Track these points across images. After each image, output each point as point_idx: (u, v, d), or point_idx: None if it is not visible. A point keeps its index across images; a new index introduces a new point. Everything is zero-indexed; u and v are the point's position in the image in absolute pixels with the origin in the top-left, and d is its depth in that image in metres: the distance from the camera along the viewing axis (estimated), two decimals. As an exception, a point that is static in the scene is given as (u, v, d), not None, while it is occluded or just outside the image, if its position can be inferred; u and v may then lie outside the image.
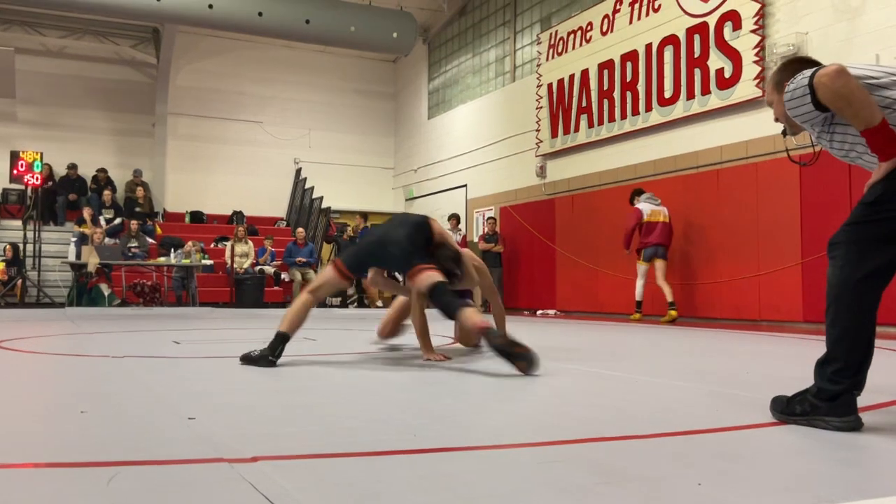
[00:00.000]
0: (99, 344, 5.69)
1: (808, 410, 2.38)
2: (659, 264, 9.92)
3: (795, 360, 4.80)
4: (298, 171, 17.85)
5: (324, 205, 16.22)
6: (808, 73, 2.37)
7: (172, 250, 13.37)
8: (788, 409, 2.46)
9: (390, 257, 4.46)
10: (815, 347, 2.46)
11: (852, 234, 2.34)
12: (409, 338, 5.18)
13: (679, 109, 10.42)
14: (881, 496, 1.60)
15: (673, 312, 9.64)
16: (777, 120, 2.64)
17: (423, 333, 4.55)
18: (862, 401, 2.40)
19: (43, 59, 16.25)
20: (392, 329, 5.32)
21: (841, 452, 2.10)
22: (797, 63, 2.57)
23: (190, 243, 13.62)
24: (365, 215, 15.97)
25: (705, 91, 10.01)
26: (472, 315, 3.98)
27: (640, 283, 10.15)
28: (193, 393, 3.17)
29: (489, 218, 13.99)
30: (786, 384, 2.87)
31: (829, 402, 2.33)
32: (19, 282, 12.83)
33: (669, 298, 9.67)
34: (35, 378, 3.88)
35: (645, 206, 10.00)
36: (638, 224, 9.95)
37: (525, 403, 3.08)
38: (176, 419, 2.49)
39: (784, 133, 2.70)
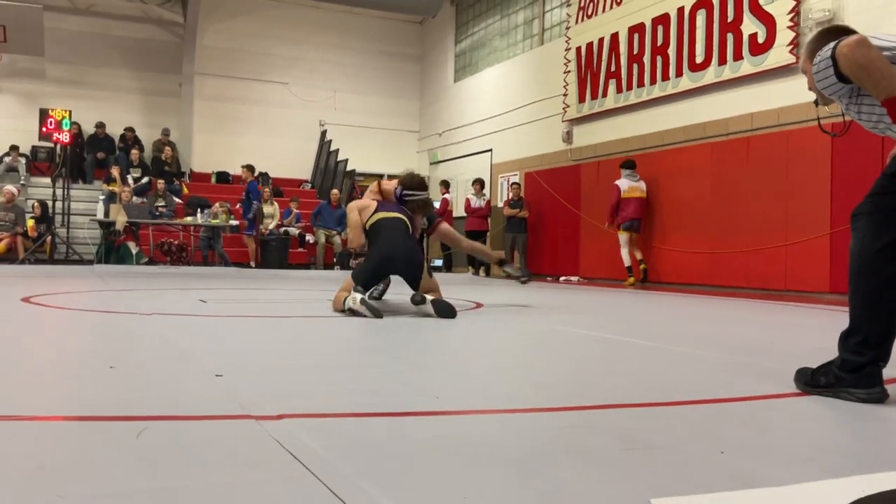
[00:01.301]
0: (127, 301, 5.77)
1: (832, 382, 2.37)
2: (633, 237, 11.01)
3: (821, 330, 4.76)
4: (324, 134, 17.83)
5: (348, 168, 16.22)
6: (833, 44, 2.33)
7: (199, 210, 13.48)
8: (813, 381, 2.45)
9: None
10: (840, 319, 2.44)
11: (874, 204, 2.33)
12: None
13: (710, 75, 10.25)
14: (905, 469, 1.59)
15: (631, 279, 10.90)
16: (810, 89, 2.60)
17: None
18: (887, 372, 2.38)
19: (71, 17, 16.28)
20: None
21: (864, 424, 2.09)
22: (832, 33, 2.51)
23: (217, 204, 13.71)
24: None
25: (737, 57, 9.82)
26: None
27: (624, 252, 11.07)
28: (220, 351, 3.22)
29: (513, 183, 13.90)
30: (810, 355, 2.85)
31: (854, 373, 2.32)
32: (48, 238, 13.02)
33: (627, 263, 10.96)
34: (64, 333, 3.95)
35: (623, 183, 10.98)
36: (618, 199, 10.95)
37: (546, 370, 3.09)
38: (203, 376, 2.53)
39: (816, 103, 2.66)
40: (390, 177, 5.97)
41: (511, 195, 13.63)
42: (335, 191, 15.04)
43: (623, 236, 10.99)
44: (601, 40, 12.32)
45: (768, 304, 7.47)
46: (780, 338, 4.49)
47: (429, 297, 4.80)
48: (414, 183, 5.39)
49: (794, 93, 8.95)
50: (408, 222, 5.18)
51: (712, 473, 1.54)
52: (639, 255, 10.93)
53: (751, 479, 1.50)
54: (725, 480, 1.48)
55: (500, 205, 14.27)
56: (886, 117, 2.31)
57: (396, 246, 5.00)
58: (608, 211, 11.05)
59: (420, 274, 5.01)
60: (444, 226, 6.00)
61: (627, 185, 10.95)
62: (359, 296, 4.68)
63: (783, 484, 1.46)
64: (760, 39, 9.47)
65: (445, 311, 4.70)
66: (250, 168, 14.70)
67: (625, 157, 11.44)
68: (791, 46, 9.04)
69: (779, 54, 9.21)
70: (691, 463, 1.62)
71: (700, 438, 1.85)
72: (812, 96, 2.66)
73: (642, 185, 10.98)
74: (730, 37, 9.93)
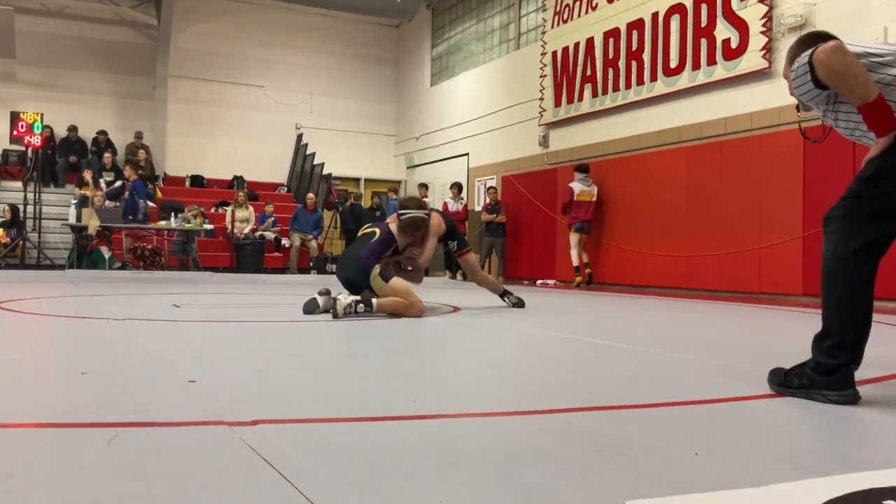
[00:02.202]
0: (99, 306, 5.71)
1: (805, 384, 2.39)
2: (583, 238, 11.56)
3: (794, 333, 4.82)
4: (300, 137, 17.76)
5: (325, 171, 16.17)
6: (811, 50, 2.37)
7: (173, 214, 13.35)
8: (786, 382, 2.47)
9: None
10: (813, 321, 2.47)
11: (847, 208, 2.35)
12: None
13: (684, 80, 10.34)
14: (877, 468, 1.61)
15: (578, 278, 11.42)
16: (791, 94, 2.63)
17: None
18: (860, 374, 2.41)
19: (43, 19, 16.07)
20: None
21: (838, 425, 2.11)
22: (812, 39, 2.54)
23: (188, 208, 13.58)
24: (395, 188, 16.21)
25: (711, 62, 9.91)
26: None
27: (574, 252, 11.52)
28: (193, 356, 3.19)
29: (490, 188, 13.92)
30: (784, 356, 2.88)
31: (827, 375, 2.34)
32: (20, 243, 12.82)
33: (576, 263, 11.47)
34: (35, 339, 3.89)
35: (576, 186, 11.46)
36: (571, 201, 11.46)
37: (521, 372, 3.09)
38: (176, 382, 2.50)
39: (797, 108, 2.70)
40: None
41: (489, 200, 13.65)
42: (311, 195, 14.98)
43: (574, 237, 11.51)
44: (577, 45, 12.39)
45: (742, 307, 7.54)
46: (754, 340, 4.53)
47: (344, 298, 5.03)
48: (408, 202, 5.70)
49: (767, 97, 9.06)
50: (377, 233, 5.43)
51: (687, 475, 1.55)
52: (585, 258, 11.54)
53: (725, 480, 1.51)
54: (700, 481, 1.49)
55: (479, 208, 14.29)
56: (863, 124, 2.34)
57: (347, 254, 5.58)
58: (560, 209, 11.80)
59: (364, 279, 5.24)
60: (471, 256, 6.42)
61: (580, 188, 11.45)
62: (315, 295, 5.24)
63: (757, 485, 1.47)
64: (734, 45, 9.57)
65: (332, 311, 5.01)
66: (134, 165, 13.80)
67: (601, 161, 11.53)
68: (764, 51, 9.15)
69: (752, 59, 9.31)
70: (666, 464, 1.63)
71: (674, 440, 1.86)
72: (785, 99, 2.69)
73: (594, 189, 11.53)
74: (703, 42, 10.03)
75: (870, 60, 2.30)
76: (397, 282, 5.24)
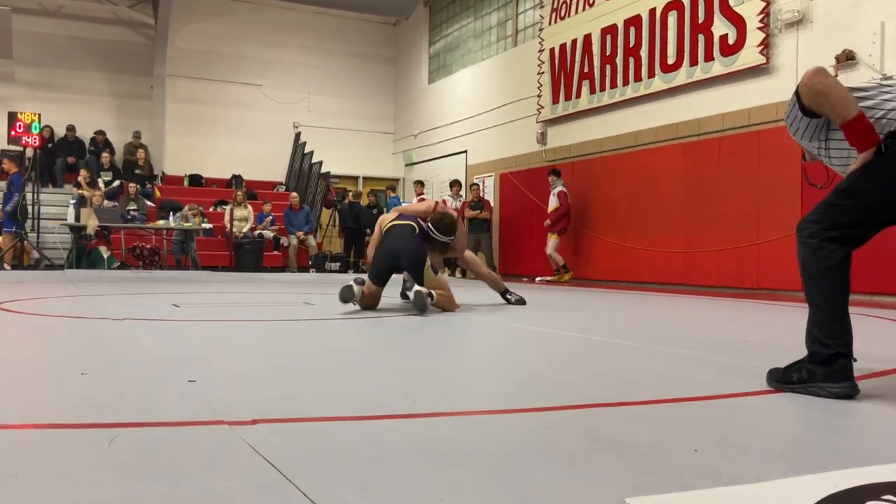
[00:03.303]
0: (99, 306, 5.71)
1: (804, 378, 2.41)
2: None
3: (793, 328, 4.82)
4: (298, 136, 17.74)
5: (323, 169, 16.16)
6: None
7: (171, 214, 13.35)
8: (785, 378, 2.48)
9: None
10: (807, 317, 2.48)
11: (822, 214, 2.44)
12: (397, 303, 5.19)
13: (682, 76, 10.34)
14: (875, 464, 1.61)
15: (569, 274, 11.86)
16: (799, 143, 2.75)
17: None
18: (858, 370, 2.41)
19: (40, 19, 16.05)
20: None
21: (836, 420, 2.12)
22: None
23: (187, 207, 13.58)
24: (393, 186, 16.18)
25: (709, 58, 9.91)
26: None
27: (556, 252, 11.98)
28: (193, 356, 3.19)
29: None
30: (783, 352, 2.88)
31: (824, 366, 2.36)
32: (22, 243, 12.80)
33: (562, 263, 11.91)
34: (35, 340, 3.89)
35: (565, 189, 11.90)
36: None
37: (520, 369, 3.09)
38: (176, 382, 2.51)
39: (803, 157, 2.86)
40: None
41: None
42: (294, 194, 15.14)
43: (558, 240, 11.92)
44: (574, 41, 12.39)
45: (740, 303, 7.55)
46: (753, 336, 4.54)
47: (422, 289, 5.13)
48: (441, 225, 5.73)
49: (765, 93, 9.06)
50: (417, 228, 5.61)
51: (686, 471, 1.55)
52: (560, 259, 11.96)
53: (724, 476, 1.51)
54: (699, 478, 1.49)
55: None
56: (854, 152, 2.41)
57: (400, 244, 5.50)
58: (560, 216, 11.85)
59: (421, 270, 5.35)
60: (469, 253, 6.62)
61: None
62: (352, 282, 5.24)
63: (756, 481, 1.47)
64: (731, 40, 9.57)
65: (420, 304, 5.09)
66: (12, 157, 13.55)
67: (599, 158, 11.52)
68: (761, 47, 9.15)
69: (749, 55, 9.31)
70: (665, 461, 1.63)
71: (674, 437, 1.86)
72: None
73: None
74: (701, 38, 10.03)
75: (854, 95, 2.41)
76: (443, 276, 5.67)
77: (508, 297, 6.46)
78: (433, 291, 5.29)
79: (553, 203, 11.94)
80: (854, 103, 2.35)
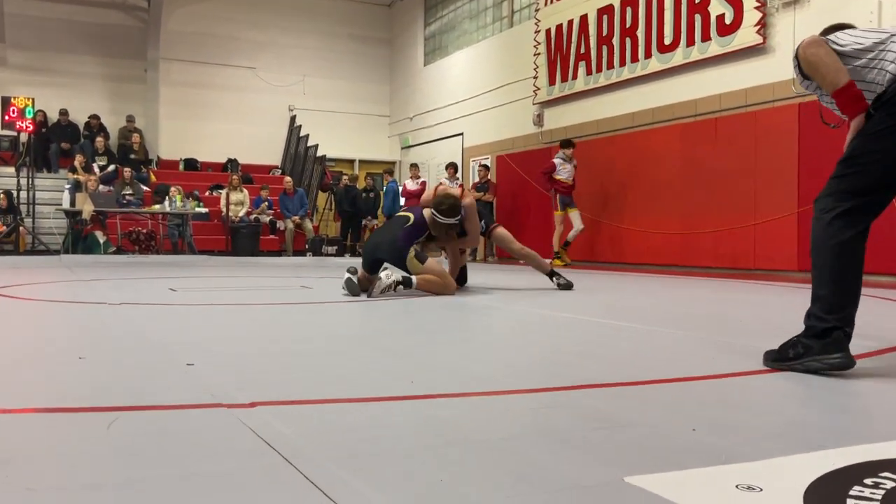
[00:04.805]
0: (95, 291, 5.70)
1: (801, 353, 2.42)
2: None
3: (790, 307, 4.83)
4: (293, 119, 17.67)
5: (319, 153, 16.11)
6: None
7: (167, 198, 13.32)
8: (781, 356, 2.48)
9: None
10: (809, 295, 2.48)
11: (831, 187, 2.47)
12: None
13: (679, 56, 10.29)
14: (874, 441, 1.62)
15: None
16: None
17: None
18: (855, 348, 2.42)
19: (32, 3, 15.90)
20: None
21: (834, 399, 2.12)
22: (830, 30, 2.70)
23: (173, 188, 13.51)
24: (391, 170, 16.11)
25: (705, 38, 9.87)
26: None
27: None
28: (191, 340, 3.19)
29: (482, 165, 13.86)
30: (780, 331, 2.89)
31: (819, 339, 2.37)
32: (21, 229, 12.78)
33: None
34: (32, 325, 3.89)
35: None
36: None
37: (519, 351, 3.10)
38: (174, 365, 2.51)
39: (820, 98, 2.89)
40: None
41: (479, 177, 13.58)
42: (287, 178, 15.10)
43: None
44: (570, 22, 12.32)
45: (737, 283, 7.56)
46: (750, 316, 4.55)
47: (385, 279, 5.11)
48: (443, 209, 5.61)
49: (762, 73, 9.03)
50: (412, 218, 5.58)
51: (685, 450, 1.55)
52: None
53: (722, 455, 1.51)
54: (698, 457, 1.50)
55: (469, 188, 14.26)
56: None
57: (381, 237, 5.66)
58: (571, 188, 11.27)
59: (402, 259, 5.39)
60: (500, 230, 6.34)
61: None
62: (347, 275, 5.24)
63: (754, 459, 1.48)
64: (728, 20, 9.52)
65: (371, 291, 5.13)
66: None
67: (595, 139, 11.49)
68: (758, 27, 9.10)
69: (746, 35, 9.27)
70: (664, 441, 1.64)
71: (672, 416, 1.87)
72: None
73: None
74: (697, 18, 9.98)
75: (854, 48, 2.48)
76: (432, 262, 5.52)
77: (558, 281, 6.09)
78: (413, 277, 5.23)
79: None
80: (844, 72, 2.43)
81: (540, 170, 11.47)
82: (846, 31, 2.59)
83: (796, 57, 2.56)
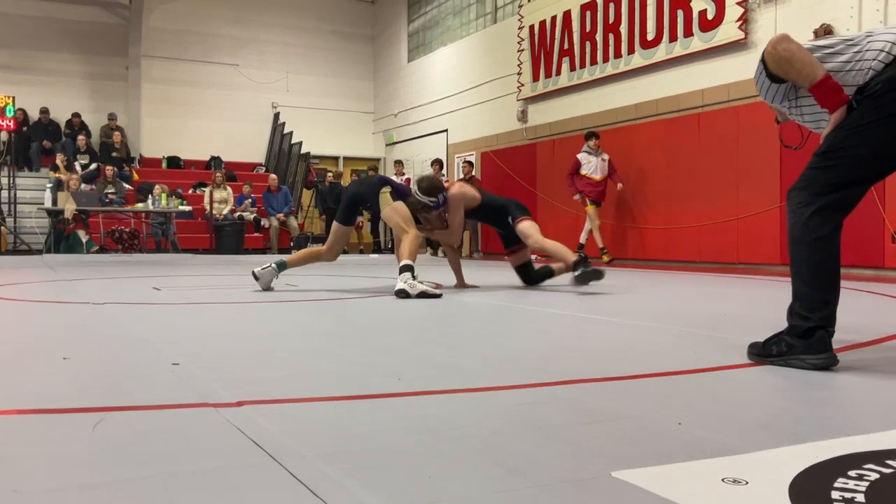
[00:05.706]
0: (79, 291, 5.66)
1: (784, 350, 2.43)
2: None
3: (773, 302, 4.87)
4: (277, 116, 17.60)
5: (303, 150, 16.05)
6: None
7: (150, 196, 13.24)
8: (765, 351, 2.50)
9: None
10: (791, 289, 2.50)
11: (808, 180, 2.45)
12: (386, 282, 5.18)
13: (661, 52, 10.34)
14: (857, 434, 1.63)
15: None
16: (770, 106, 2.76)
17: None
18: (837, 342, 2.44)
19: (11, 0, 15.77)
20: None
21: (817, 392, 2.14)
22: None
23: (157, 187, 13.44)
24: (375, 167, 16.15)
25: (688, 33, 9.92)
26: None
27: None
28: (175, 339, 3.17)
29: (466, 162, 13.88)
30: (763, 325, 2.91)
31: (803, 338, 2.38)
32: (2, 228, 12.67)
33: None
34: (15, 325, 3.85)
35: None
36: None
37: (506, 347, 3.10)
38: (159, 365, 2.49)
39: (777, 121, 2.87)
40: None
41: (463, 174, 13.60)
42: (272, 175, 15.08)
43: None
44: (554, 18, 12.34)
45: (720, 278, 7.61)
46: (734, 310, 4.58)
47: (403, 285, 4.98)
48: (422, 186, 5.63)
49: (744, 68, 9.09)
50: (390, 187, 5.59)
51: (671, 444, 1.56)
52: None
53: (708, 448, 1.53)
54: (683, 450, 1.51)
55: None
56: (826, 113, 2.42)
57: (358, 186, 5.83)
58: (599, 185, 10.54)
59: (373, 195, 5.49)
60: (525, 224, 5.80)
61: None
62: (420, 286, 4.97)
63: (740, 452, 1.49)
64: (710, 16, 9.57)
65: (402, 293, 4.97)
66: None
67: (579, 135, 11.52)
68: (740, 22, 9.16)
69: (728, 30, 9.33)
70: (650, 434, 1.65)
71: (658, 410, 1.88)
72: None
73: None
74: (680, 13, 10.02)
75: (822, 53, 2.45)
76: (400, 204, 5.44)
77: (585, 270, 5.49)
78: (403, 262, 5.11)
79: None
80: (819, 65, 2.38)
81: (566, 172, 10.73)
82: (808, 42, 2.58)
83: (763, 60, 2.49)
